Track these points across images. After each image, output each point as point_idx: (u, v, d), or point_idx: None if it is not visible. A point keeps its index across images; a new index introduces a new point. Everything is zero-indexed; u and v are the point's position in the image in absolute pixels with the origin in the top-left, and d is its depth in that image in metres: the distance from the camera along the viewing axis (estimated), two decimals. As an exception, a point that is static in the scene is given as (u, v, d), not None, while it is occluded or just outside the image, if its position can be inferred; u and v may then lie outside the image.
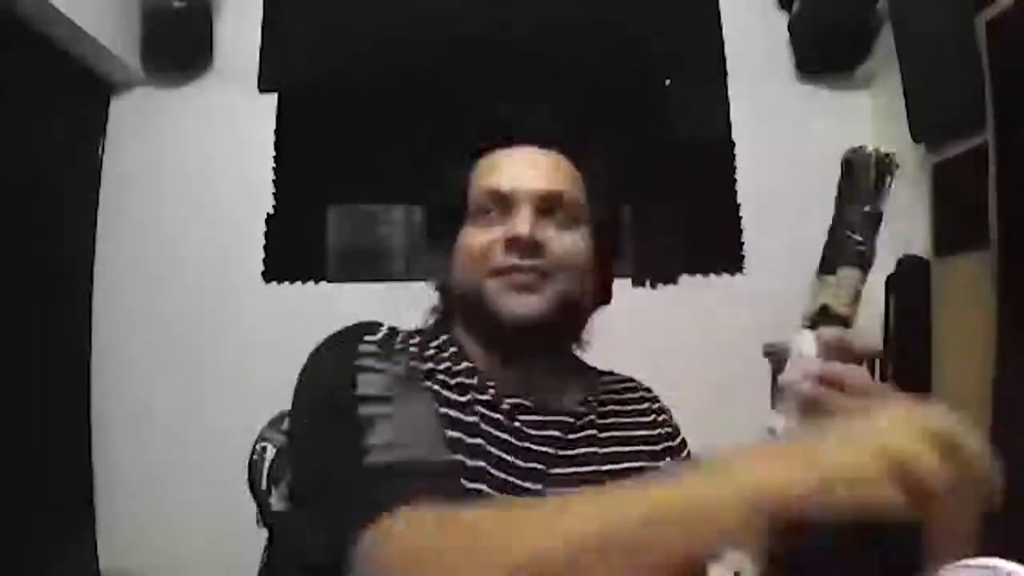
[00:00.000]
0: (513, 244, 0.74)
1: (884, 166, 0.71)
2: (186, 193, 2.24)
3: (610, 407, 0.84)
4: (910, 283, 2.03)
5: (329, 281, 2.21)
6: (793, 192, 2.30)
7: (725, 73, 2.37)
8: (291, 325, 2.11)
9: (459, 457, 0.68)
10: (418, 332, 0.80)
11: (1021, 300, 1.55)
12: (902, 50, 1.97)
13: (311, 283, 2.21)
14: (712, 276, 2.28)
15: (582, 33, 2.34)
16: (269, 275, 2.21)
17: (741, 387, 2.14)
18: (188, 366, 2.12)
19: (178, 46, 2.23)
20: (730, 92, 2.36)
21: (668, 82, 2.36)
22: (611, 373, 0.91)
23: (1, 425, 1.71)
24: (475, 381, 0.75)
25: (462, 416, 0.71)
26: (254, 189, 2.24)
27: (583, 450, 0.77)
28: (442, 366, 0.75)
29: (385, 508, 0.54)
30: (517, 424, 0.74)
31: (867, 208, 0.69)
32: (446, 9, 2.33)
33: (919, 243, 2.03)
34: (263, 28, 2.33)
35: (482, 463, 0.69)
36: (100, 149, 2.23)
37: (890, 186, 0.70)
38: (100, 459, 2.11)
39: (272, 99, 2.29)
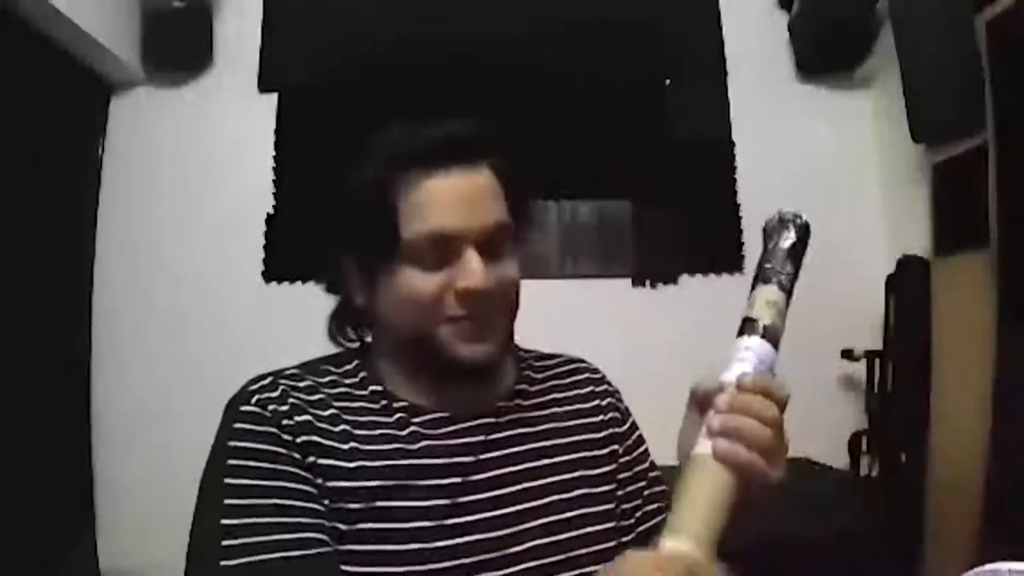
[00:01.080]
0: (467, 297, 0.72)
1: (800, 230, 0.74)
2: (186, 193, 2.24)
3: (549, 394, 0.84)
4: (910, 283, 2.03)
5: (329, 281, 2.21)
6: (793, 192, 2.30)
7: (725, 73, 2.37)
8: (291, 325, 2.11)
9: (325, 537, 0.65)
10: (327, 363, 0.79)
11: (1021, 300, 1.56)
12: (902, 50, 1.97)
13: (311, 283, 2.21)
14: (712, 276, 2.28)
15: (582, 33, 2.34)
16: (269, 275, 2.21)
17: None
18: (188, 366, 2.12)
19: (178, 46, 2.22)
20: (730, 92, 2.35)
21: (668, 82, 2.36)
22: (553, 356, 0.90)
23: (1, 425, 1.71)
24: (383, 410, 0.75)
25: (376, 447, 0.72)
26: (254, 189, 2.24)
27: (511, 450, 0.77)
28: (354, 404, 0.74)
29: None
30: (426, 443, 0.74)
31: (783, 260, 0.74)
32: (446, 9, 2.33)
33: (919, 243, 2.03)
34: (263, 28, 2.33)
35: (394, 500, 0.69)
36: (100, 149, 2.23)
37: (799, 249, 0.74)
38: (100, 459, 2.11)
39: (272, 99, 2.29)
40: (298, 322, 2.14)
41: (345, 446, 0.71)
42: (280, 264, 2.22)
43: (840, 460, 2.10)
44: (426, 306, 0.72)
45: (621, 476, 0.83)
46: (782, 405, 0.62)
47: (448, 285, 0.72)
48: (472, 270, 0.71)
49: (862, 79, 2.35)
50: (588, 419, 0.84)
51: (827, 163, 2.35)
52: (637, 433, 0.88)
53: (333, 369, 0.79)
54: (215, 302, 2.18)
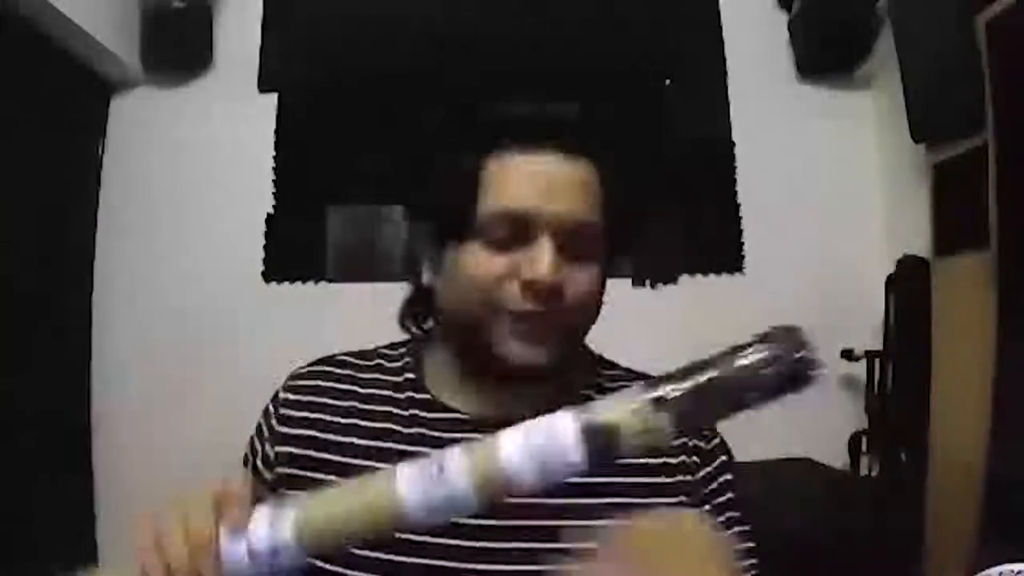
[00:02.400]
0: (531, 289, 0.65)
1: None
2: (186, 193, 2.24)
3: None
4: (910, 283, 2.03)
5: (329, 281, 2.21)
6: (793, 192, 2.31)
7: (725, 73, 2.37)
8: (291, 325, 2.11)
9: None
10: (381, 353, 0.78)
11: (1021, 300, 1.55)
12: (902, 50, 1.97)
13: (311, 283, 2.21)
14: (712, 276, 2.28)
15: (582, 33, 2.34)
16: (269, 275, 2.21)
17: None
18: (188, 366, 2.12)
19: (178, 46, 2.22)
20: (730, 92, 2.35)
21: (668, 82, 2.36)
22: (626, 371, 0.80)
23: (1, 425, 1.71)
24: (404, 403, 0.73)
25: (371, 443, 0.70)
26: (254, 189, 2.24)
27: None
28: (380, 392, 0.74)
29: None
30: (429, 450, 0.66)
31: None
32: (446, 9, 2.33)
33: (919, 243, 2.03)
34: (263, 28, 2.32)
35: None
36: (100, 149, 2.23)
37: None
38: (100, 459, 2.11)
39: (272, 99, 2.29)
40: (298, 322, 2.16)
41: (344, 440, 0.71)
42: (280, 264, 2.22)
43: (840, 460, 2.10)
44: (486, 290, 0.66)
45: None
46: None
47: (514, 272, 0.66)
48: (541, 259, 0.65)
49: (862, 79, 2.35)
50: (656, 463, 0.70)
51: (827, 163, 2.34)
52: (721, 489, 0.74)
53: (386, 353, 0.79)
54: (215, 302, 2.18)
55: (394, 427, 0.71)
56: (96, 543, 2.05)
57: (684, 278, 2.27)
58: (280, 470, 0.72)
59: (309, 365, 0.78)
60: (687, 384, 0.49)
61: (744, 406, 0.49)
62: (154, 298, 2.18)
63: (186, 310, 2.17)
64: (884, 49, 2.17)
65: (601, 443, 0.47)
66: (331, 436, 0.71)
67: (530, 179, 0.67)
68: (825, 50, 2.28)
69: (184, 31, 2.18)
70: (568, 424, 0.48)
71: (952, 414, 1.83)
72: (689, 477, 0.72)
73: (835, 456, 2.09)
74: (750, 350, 0.50)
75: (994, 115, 1.62)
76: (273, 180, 2.26)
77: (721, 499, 0.74)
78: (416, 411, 0.72)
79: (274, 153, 2.26)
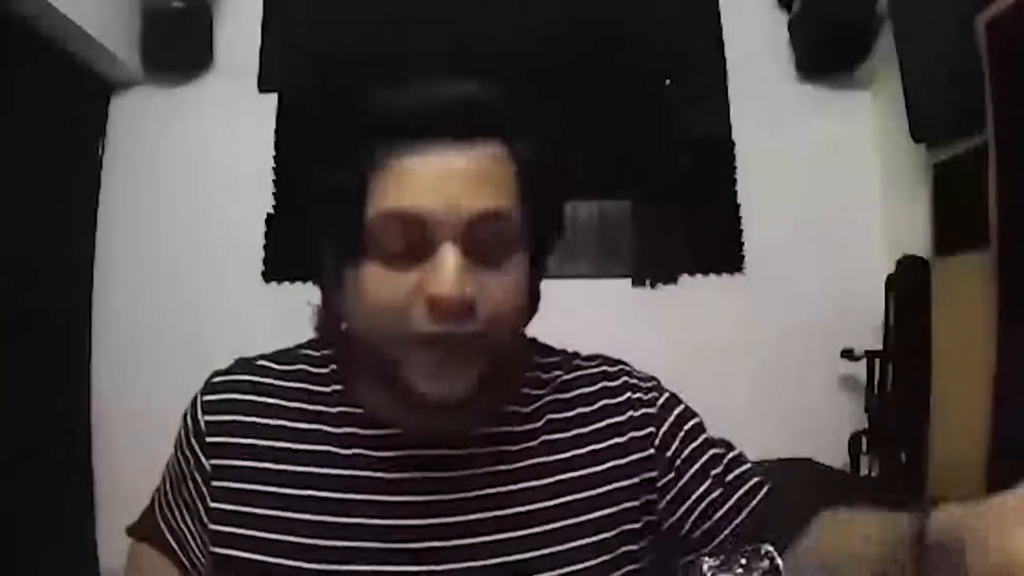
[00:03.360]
0: (436, 307, 0.55)
1: None
2: (186, 193, 2.24)
3: (556, 415, 0.67)
4: (910, 283, 2.03)
5: (329, 281, 2.21)
6: (793, 192, 2.31)
7: (725, 73, 2.37)
8: (291, 325, 2.11)
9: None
10: (304, 356, 0.71)
11: (1021, 300, 1.55)
12: (902, 50, 1.97)
13: (311, 283, 2.21)
14: (712, 276, 2.28)
15: (582, 33, 2.34)
16: (269, 275, 2.21)
17: (740, 387, 2.15)
18: (188, 366, 2.11)
19: (178, 46, 2.22)
20: (730, 92, 2.35)
21: (668, 82, 2.36)
22: (585, 364, 0.72)
23: (1, 425, 1.71)
24: (335, 418, 0.65)
25: (309, 470, 0.63)
26: (254, 189, 2.24)
27: (465, 494, 0.62)
28: (309, 407, 0.66)
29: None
30: (366, 474, 0.63)
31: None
32: (445, 9, 2.33)
33: (919, 243, 2.03)
34: (263, 28, 2.33)
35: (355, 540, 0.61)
36: (100, 149, 2.23)
37: None
38: (100, 459, 2.11)
39: (272, 99, 2.29)
40: (298, 322, 2.14)
41: (280, 467, 0.64)
42: (280, 264, 2.22)
43: (840, 460, 2.10)
44: (389, 316, 0.56)
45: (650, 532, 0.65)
46: None
47: (419, 291, 0.56)
48: (444, 272, 0.55)
49: (862, 79, 2.35)
50: (589, 447, 0.66)
51: (827, 163, 2.35)
52: (687, 463, 0.67)
53: (309, 356, 0.71)
54: (215, 302, 2.18)
55: (331, 449, 0.64)
56: (96, 543, 2.05)
57: (684, 278, 2.27)
58: (216, 505, 0.64)
59: (226, 374, 0.71)
60: None
61: None
62: (154, 298, 2.18)
63: (186, 310, 2.17)
64: (884, 49, 2.17)
65: None
66: (267, 464, 0.64)
67: (422, 177, 0.56)
68: (825, 50, 2.28)
69: (184, 31, 2.18)
70: None
71: (952, 414, 1.83)
72: (649, 451, 0.66)
73: (835, 456, 2.09)
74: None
75: (994, 115, 1.62)
76: (273, 180, 2.26)
77: (694, 443, 0.68)
78: (350, 428, 0.65)
79: (274, 153, 2.26)
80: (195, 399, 0.70)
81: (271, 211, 2.24)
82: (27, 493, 1.78)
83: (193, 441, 0.68)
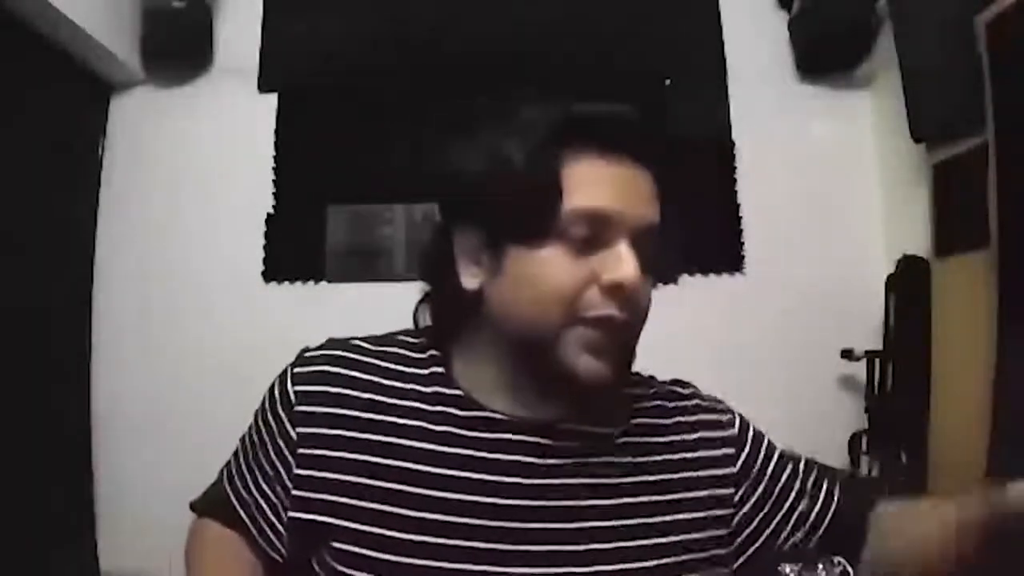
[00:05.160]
0: (615, 291, 0.64)
1: None
2: (186, 193, 2.24)
3: (652, 436, 0.73)
4: (910, 283, 2.03)
5: (329, 281, 2.21)
6: (793, 192, 2.31)
7: (725, 73, 2.37)
8: (291, 325, 2.11)
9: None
10: (401, 341, 0.74)
11: (1021, 300, 1.55)
12: (902, 50, 1.97)
13: (311, 283, 2.21)
14: (712, 276, 2.28)
15: (582, 33, 2.34)
16: (269, 275, 2.21)
17: (739, 387, 2.14)
18: (188, 366, 2.12)
19: (178, 46, 2.22)
20: (730, 92, 2.35)
21: (668, 82, 2.36)
22: (671, 390, 0.80)
23: (1, 425, 1.71)
24: (430, 397, 0.69)
25: (398, 441, 0.67)
26: (254, 189, 2.24)
27: (562, 482, 0.67)
28: (404, 385, 0.70)
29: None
30: (457, 451, 0.67)
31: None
32: (447, 9, 2.33)
33: (919, 243, 2.02)
34: (263, 28, 2.32)
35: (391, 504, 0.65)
36: (100, 149, 2.23)
37: None
38: (100, 459, 2.11)
39: (272, 99, 2.29)
40: (298, 322, 2.15)
41: (366, 436, 0.67)
42: (280, 264, 2.22)
43: (840, 460, 2.10)
44: (566, 294, 0.63)
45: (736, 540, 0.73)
46: None
47: (592, 278, 0.64)
48: (625, 261, 0.64)
49: (862, 79, 2.35)
50: (683, 473, 0.72)
51: (827, 163, 2.34)
52: (763, 479, 0.76)
53: (408, 342, 0.74)
54: (215, 302, 2.18)
55: (422, 424, 0.67)
56: (96, 543, 2.05)
57: (684, 278, 2.27)
58: (302, 472, 0.67)
59: (318, 350, 0.73)
60: None
61: None
62: (154, 298, 2.18)
63: (186, 310, 2.17)
64: (884, 49, 2.17)
65: None
66: (355, 434, 0.67)
67: (612, 181, 0.66)
68: (825, 50, 2.28)
69: (184, 31, 2.18)
70: None
71: (952, 414, 1.83)
72: (730, 470, 0.75)
73: (835, 456, 2.09)
74: None
75: (994, 115, 1.62)
76: (273, 180, 2.26)
77: (770, 466, 0.77)
78: (445, 408, 0.68)
79: (274, 153, 2.26)
80: (285, 371, 0.73)
81: (271, 211, 2.24)
82: (27, 493, 1.78)
83: (280, 410, 0.70)
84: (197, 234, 2.22)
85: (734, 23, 2.38)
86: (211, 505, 0.76)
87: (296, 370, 0.72)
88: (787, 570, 0.57)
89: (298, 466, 0.68)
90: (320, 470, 0.67)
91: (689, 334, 2.17)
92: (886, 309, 2.11)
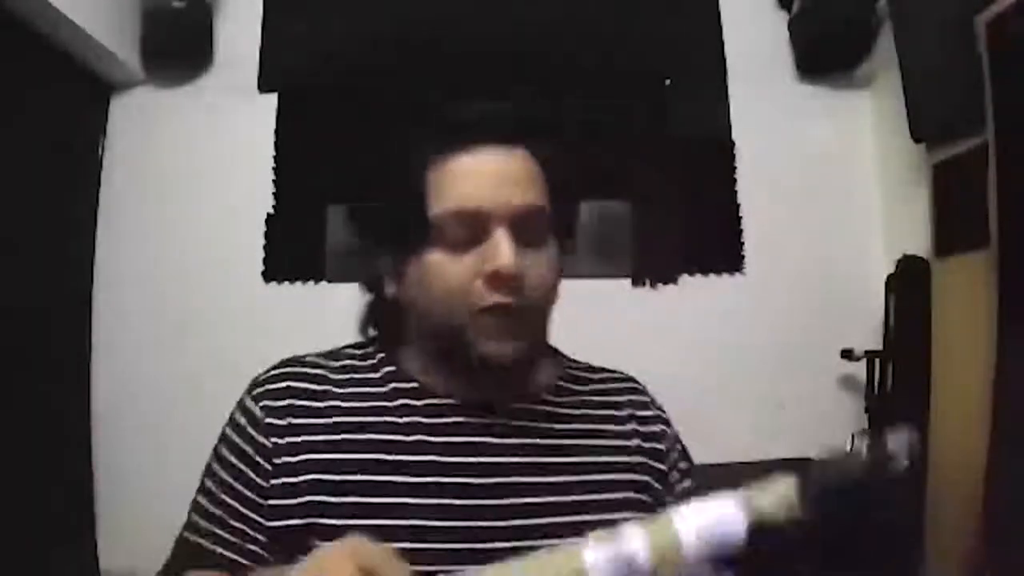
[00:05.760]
0: (495, 280, 0.68)
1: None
2: (186, 193, 2.24)
3: (580, 408, 0.79)
4: (910, 283, 2.03)
5: (329, 281, 2.21)
6: (793, 192, 2.31)
7: (725, 73, 2.37)
8: (291, 325, 2.11)
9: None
10: (348, 353, 0.79)
11: (1021, 300, 1.55)
12: (902, 50, 1.97)
13: (311, 283, 2.21)
14: (712, 276, 2.28)
15: (582, 33, 2.34)
16: (269, 275, 2.21)
17: (740, 387, 2.15)
18: (188, 366, 2.12)
19: (178, 46, 2.22)
20: (730, 92, 2.35)
21: (668, 82, 2.36)
22: (602, 370, 0.86)
23: (1, 425, 1.71)
24: (389, 395, 0.74)
25: (366, 437, 0.71)
26: (254, 189, 2.24)
27: (515, 459, 0.72)
28: (360, 389, 0.74)
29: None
30: (420, 438, 0.71)
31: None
32: (447, 9, 2.33)
33: (919, 243, 2.02)
34: (263, 28, 2.32)
35: (368, 496, 0.68)
36: (100, 149, 2.23)
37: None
38: (100, 459, 2.11)
39: (272, 99, 2.29)
40: (298, 322, 2.15)
41: (336, 437, 0.71)
42: (280, 264, 2.22)
43: (840, 460, 2.10)
44: (453, 292, 0.69)
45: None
46: None
47: (477, 270, 0.69)
48: (501, 251, 0.67)
49: (862, 79, 2.35)
50: (619, 441, 0.78)
51: (827, 163, 2.34)
52: (679, 452, 0.82)
53: (354, 353, 0.79)
54: (215, 302, 2.18)
55: (387, 418, 0.72)
56: (96, 543, 2.05)
57: (684, 278, 2.27)
58: (277, 481, 0.70)
59: (272, 369, 0.77)
60: (827, 478, 0.57)
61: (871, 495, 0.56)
62: (154, 298, 2.18)
63: (186, 310, 2.17)
64: (884, 49, 2.17)
65: (758, 531, 0.53)
66: (325, 437, 0.71)
67: (476, 176, 0.70)
68: (825, 50, 2.28)
69: (184, 31, 2.18)
70: (737, 516, 0.52)
71: (952, 414, 1.83)
72: (656, 445, 0.80)
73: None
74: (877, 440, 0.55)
75: (994, 115, 1.62)
76: (273, 180, 2.26)
77: (683, 465, 0.82)
78: (405, 400, 0.74)
79: (274, 153, 2.26)
80: (241, 399, 0.75)
81: (271, 211, 2.24)
82: (27, 493, 1.78)
83: (250, 429, 0.72)
84: (197, 234, 2.22)
85: (734, 23, 2.38)
86: (183, 562, 0.73)
87: (256, 391, 0.75)
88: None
89: (275, 476, 0.70)
90: (296, 475, 0.69)
91: (689, 334, 2.17)
92: (886, 309, 2.11)
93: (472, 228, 0.69)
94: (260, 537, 0.70)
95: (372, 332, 0.82)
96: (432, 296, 0.70)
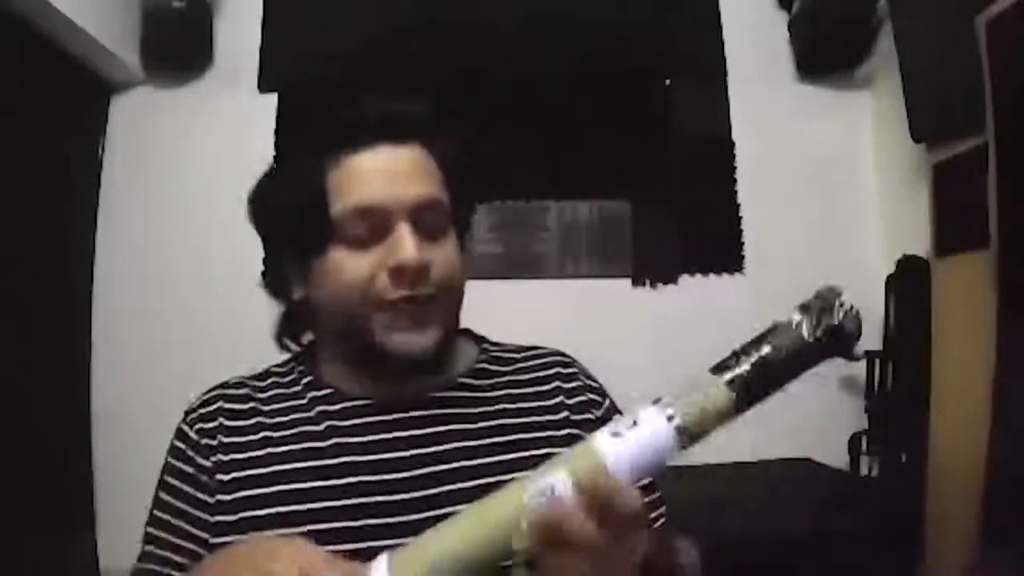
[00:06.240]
0: (399, 274, 0.68)
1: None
2: (186, 193, 2.23)
3: (502, 389, 0.77)
4: (910, 283, 2.03)
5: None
6: (793, 192, 2.31)
7: (725, 73, 2.37)
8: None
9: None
10: (273, 372, 0.80)
11: (1021, 300, 1.55)
12: (902, 50, 1.97)
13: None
14: (712, 276, 2.28)
15: (582, 33, 2.34)
16: (269, 275, 2.21)
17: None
18: (188, 366, 2.11)
19: (178, 46, 2.22)
20: (730, 92, 2.35)
21: (668, 82, 2.36)
22: (528, 349, 0.84)
23: (1, 425, 1.71)
24: (307, 404, 0.74)
25: (289, 448, 0.71)
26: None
27: (436, 448, 0.71)
28: (281, 404, 0.75)
29: None
30: (336, 441, 0.71)
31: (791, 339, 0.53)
32: (445, 9, 2.33)
33: (919, 243, 2.03)
34: (263, 28, 2.32)
35: (298, 504, 0.68)
36: (100, 149, 2.23)
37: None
38: (100, 459, 2.11)
39: (272, 99, 2.29)
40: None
41: (261, 452, 0.71)
42: (280, 264, 2.21)
43: (840, 460, 2.10)
44: (358, 288, 0.69)
45: None
46: (628, 522, 0.50)
47: (381, 264, 0.69)
48: (403, 244, 0.68)
49: (862, 79, 2.35)
50: (546, 416, 0.76)
51: (827, 163, 2.34)
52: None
53: (278, 370, 0.81)
54: (215, 302, 2.18)
55: (306, 428, 0.73)
56: (96, 541, 2.05)
57: (684, 278, 2.27)
58: (217, 499, 0.70)
59: (203, 395, 0.79)
60: (747, 364, 0.54)
61: (797, 373, 0.54)
62: (154, 298, 2.18)
63: (186, 310, 2.17)
64: (884, 49, 2.18)
65: (690, 432, 0.51)
66: (253, 453, 0.71)
67: (369, 174, 0.70)
68: (825, 50, 2.29)
69: (184, 31, 2.18)
70: (663, 425, 0.51)
71: (952, 414, 1.83)
72: (587, 415, 0.77)
73: (835, 456, 2.09)
74: (795, 319, 0.54)
75: (994, 115, 1.62)
76: (273, 180, 2.25)
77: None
78: (321, 407, 0.74)
79: (274, 153, 2.26)
80: (178, 427, 0.78)
81: (271, 211, 2.24)
82: (27, 493, 1.78)
83: (189, 452, 0.74)
84: (197, 234, 2.21)
85: (734, 23, 2.38)
86: None
87: (189, 417, 0.77)
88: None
89: (219, 492, 0.70)
90: (230, 493, 0.70)
91: (689, 334, 2.17)
92: (886, 309, 2.11)
93: (374, 225, 0.69)
94: (206, 553, 0.70)
95: (289, 344, 0.83)
96: (338, 293, 0.70)
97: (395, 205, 0.69)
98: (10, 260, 1.79)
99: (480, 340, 0.85)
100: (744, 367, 0.54)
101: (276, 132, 2.27)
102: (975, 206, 1.67)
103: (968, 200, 1.76)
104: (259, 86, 2.30)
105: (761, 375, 0.54)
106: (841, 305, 0.52)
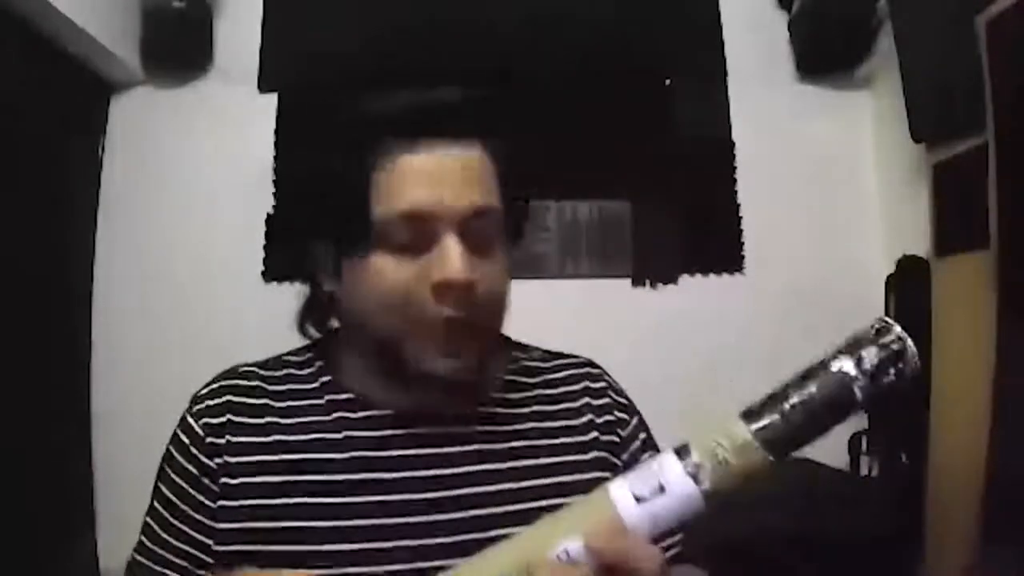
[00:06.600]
0: (443, 291, 0.62)
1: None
2: (186, 193, 2.24)
3: (531, 405, 0.73)
4: (910, 283, 2.03)
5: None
6: (793, 192, 2.31)
7: (725, 73, 2.37)
8: (291, 325, 2.11)
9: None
10: (288, 361, 0.75)
11: (1021, 300, 1.55)
12: (902, 50, 1.97)
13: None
14: (712, 276, 2.28)
15: (583, 33, 2.34)
16: (269, 275, 2.21)
17: (739, 387, 2.14)
18: (188, 366, 2.11)
19: (178, 46, 2.22)
20: (730, 92, 2.35)
21: (668, 82, 2.36)
22: (557, 356, 0.79)
23: (1, 425, 1.71)
24: (325, 408, 0.69)
25: (306, 457, 0.66)
26: (254, 189, 2.24)
27: (464, 469, 0.66)
28: (298, 403, 0.70)
29: None
30: (357, 454, 0.66)
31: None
32: (445, 9, 2.33)
33: (919, 243, 2.02)
34: (263, 28, 2.32)
35: (309, 519, 0.63)
36: (100, 149, 2.23)
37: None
38: (100, 459, 2.11)
39: (272, 99, 2.29)
40: (298, 322, 2.15)
41: (274, 458, 0.66)
42: (280, 264, 2.21)
43: (840, 460, 2.10)
44: (396, 301, 0.62)
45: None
46: None
47: (423, 277, 0.62)
48: (451, 258, 0.61)
49: (862, 79, 2.35)
50: (575, 437, 0.72)
51: (827, 163, 2.34)
52: (641, 442, 0.76)
53: (294, 360, 0.75)
54: (215, 302, 2.18)
55: (322, 435, 0.67)
56: (96, 542, 2.05)
57: (684, 278, 2.27)
58: (220, 503, 0.66)
59: (211, 383, 0.74)
60: (787, 413, 0.50)
61: (837, 422, 0.50)
62: (154, 298, 2.18)
63: (186, 310, 2.17)
64: (884, 49, 2.17)
65: (719, 495, 0.48)
66: (263, 457, 0.66)
67: (423, 175, 0.62)
68: (825, 50, 2.28)
69: (184, 31, 2.18)
70: (692, 491, 0.47)
71: (952, 414, 1.83)
72: (613, 437, 0.74)
73: (835, 456, 2.09)
74: (839, 360, 0.50)
75: (994, 115, 1.62)
76: (273, 180, 2.26)
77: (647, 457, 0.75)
78: (341, 413, 0.69)
79: (274, 153, 2.26)
80: (183, 415, 0.72)
81: (271, 211, 2.24)
82: (27, 493, 1.78)
83: (192, 449, 0.69)
84: (197, 234, 2.22)
85: (734, 23, 2.38)
86: None
87: (195, 408, 0.72)
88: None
89: (222, 497, 0.66)
90: (236, 500, 0.65)
91: (689, 334, 2.17)
92: (886, 309, 2.11)
93: (418, 232, 0.62)
94: (209, 560, 0.66)
95: (312, 332, 0.77)
96: (373, 302, 0.64)
97: (446, 212, 0.62)
98: (10, 260, 1.79)
99: (509, 343, 0.79)
100: (783, 417, 0.50)
101: (276, 132, 2.27)
102: (975, 206, 1.67)
103: (968, 200, 1.76)
104: (259, 86, 2.30)
105: (800, 427, 0.50)
106: (900, 354, 0.46)
